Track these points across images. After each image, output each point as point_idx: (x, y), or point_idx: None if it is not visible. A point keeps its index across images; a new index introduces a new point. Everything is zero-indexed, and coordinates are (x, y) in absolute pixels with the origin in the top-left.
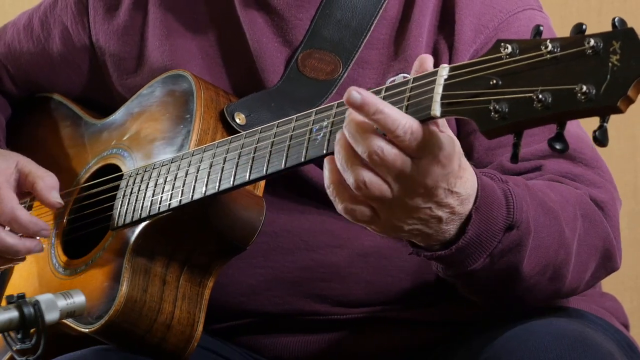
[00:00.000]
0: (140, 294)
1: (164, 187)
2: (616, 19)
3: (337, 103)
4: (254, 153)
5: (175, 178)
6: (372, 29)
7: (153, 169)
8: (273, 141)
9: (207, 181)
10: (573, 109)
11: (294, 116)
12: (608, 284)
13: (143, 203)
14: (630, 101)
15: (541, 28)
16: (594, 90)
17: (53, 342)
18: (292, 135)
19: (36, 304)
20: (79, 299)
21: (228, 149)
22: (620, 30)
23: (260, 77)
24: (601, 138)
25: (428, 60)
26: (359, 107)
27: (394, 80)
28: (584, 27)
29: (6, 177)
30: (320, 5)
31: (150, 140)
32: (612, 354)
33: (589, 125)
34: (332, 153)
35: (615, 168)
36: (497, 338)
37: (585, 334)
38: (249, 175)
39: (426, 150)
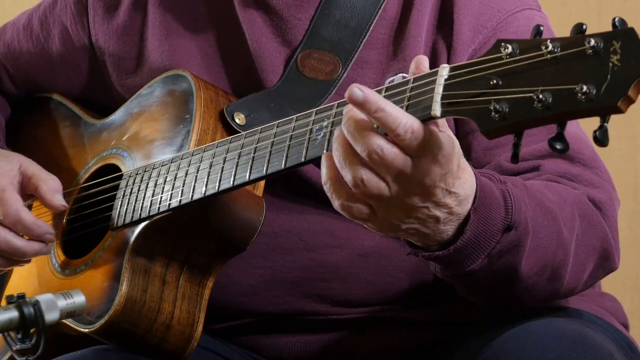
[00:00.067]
0: (140, 294)
1: (163, 187)
2: (616, 19)
3: (337, 103)
4: (254, 153)
5: (175, 178)
6: (371, 29)
7: (153, 169)
8: (273, 141)
9: (207, 181)
10: (573, 109)
11: (294, 116)
12: (608, 284)
13: (143, 203)
14: (631, 101)
15: (541, 28)
16: (595, 90)
17: (53, 342)
18: (292, 135)
19: (36, 304)
20: (79, 299)
21: (228, 149)
22: (621, 30)
23: (260, 77)
24: (602, 138)
25: (424, 61)
26: (361, 105)
27: (392, 80)
28: (584, 27)
29: (10, 179)
30: (320, 5)
31: (149, 141)
32: (612, 354)
33: (589, 125)
34: None
35: (615, 168)
36: (496, 338)
37: (585, 334)
38: (249, 175)
39: (426, 149)
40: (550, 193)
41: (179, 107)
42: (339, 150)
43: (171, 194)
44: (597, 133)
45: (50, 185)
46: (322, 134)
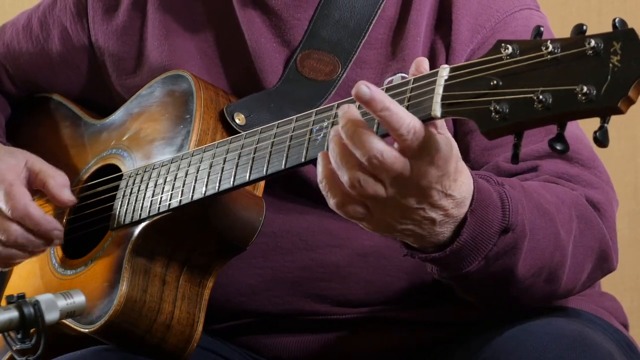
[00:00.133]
0: (140, 294)
1: (163, 188)
2: (616, 20)
3: (338, 103)
4: (254, 153)
5: (175, 178)
6: (370, 29)
7: (153, 169)
8: (273, 141)
9: (207, 181)
10: (573, 109)
11: (294, 116)
12: (608, 284)
13: (143, 203)
14: (631, 102)
15: (541, 29)
16: (595, 91)
17: (53, 342)
18: (292, 135)
19: (36, 304)
20: (79, 299)
21: (228, 149)
22: (621, 30)
23: (259, 77)
24: (602, 139)
25: (424, 63)
26: (367, 102)
27: (391, 80)
28: (584, 27)
29: (17, 174)
30: (319, 6)
31: (149, 141)
32: (612, 353)
33: (589, 125)
34: None
35: (615, 169)
36: (496, 338)
37: (585, 334)
38: (249, 176)
39: (424, 151)
40: (548, 194)
41: (179, 107)
42: (335, 150)
43: (171, 194)
44: (597, 134)
45: (58, 181)
46: (322, 135)
